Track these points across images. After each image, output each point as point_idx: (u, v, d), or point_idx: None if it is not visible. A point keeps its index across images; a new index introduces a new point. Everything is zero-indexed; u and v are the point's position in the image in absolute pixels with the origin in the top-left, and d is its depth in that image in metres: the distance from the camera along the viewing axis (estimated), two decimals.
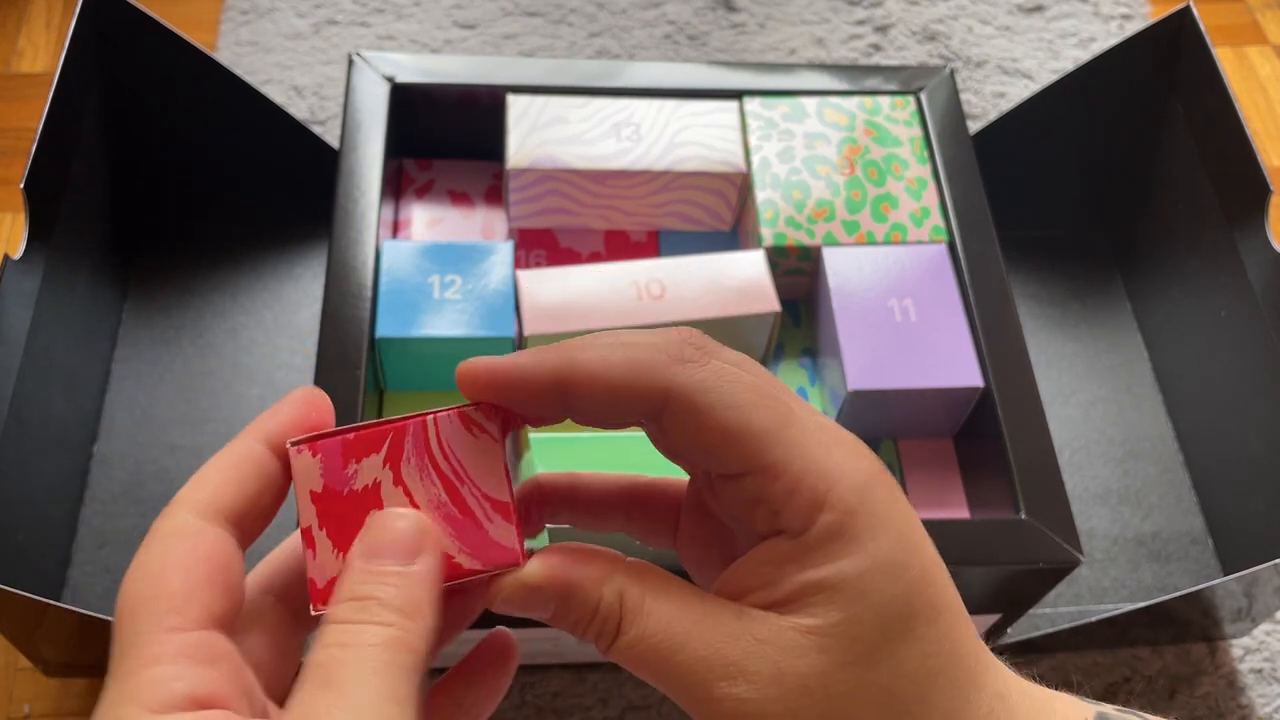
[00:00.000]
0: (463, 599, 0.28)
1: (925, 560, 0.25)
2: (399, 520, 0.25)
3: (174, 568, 0.24)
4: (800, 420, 0.25)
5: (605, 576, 0.26)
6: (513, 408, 0.27)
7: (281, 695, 0.26)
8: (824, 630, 0.24)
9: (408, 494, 0.26)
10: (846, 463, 0.25)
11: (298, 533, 0.28)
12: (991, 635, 0.57)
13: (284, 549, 0.28)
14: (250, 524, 0.26)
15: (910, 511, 0.26)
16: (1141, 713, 0.28)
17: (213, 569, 0.24)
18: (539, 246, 0.63)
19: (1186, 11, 0.63)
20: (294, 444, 0.26)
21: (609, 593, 0.25)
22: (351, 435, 0.26)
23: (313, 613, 0.26)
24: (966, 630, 0.25)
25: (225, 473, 0.26)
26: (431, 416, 0.26)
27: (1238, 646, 0.61)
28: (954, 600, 0.25)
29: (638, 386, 0.25)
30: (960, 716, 0.25)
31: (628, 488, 0.30)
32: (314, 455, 0.26)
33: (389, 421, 0.26)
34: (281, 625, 0.27)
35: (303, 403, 0.27)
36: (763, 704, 0.24)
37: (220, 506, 0.25)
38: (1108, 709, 0.27)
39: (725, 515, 0.27)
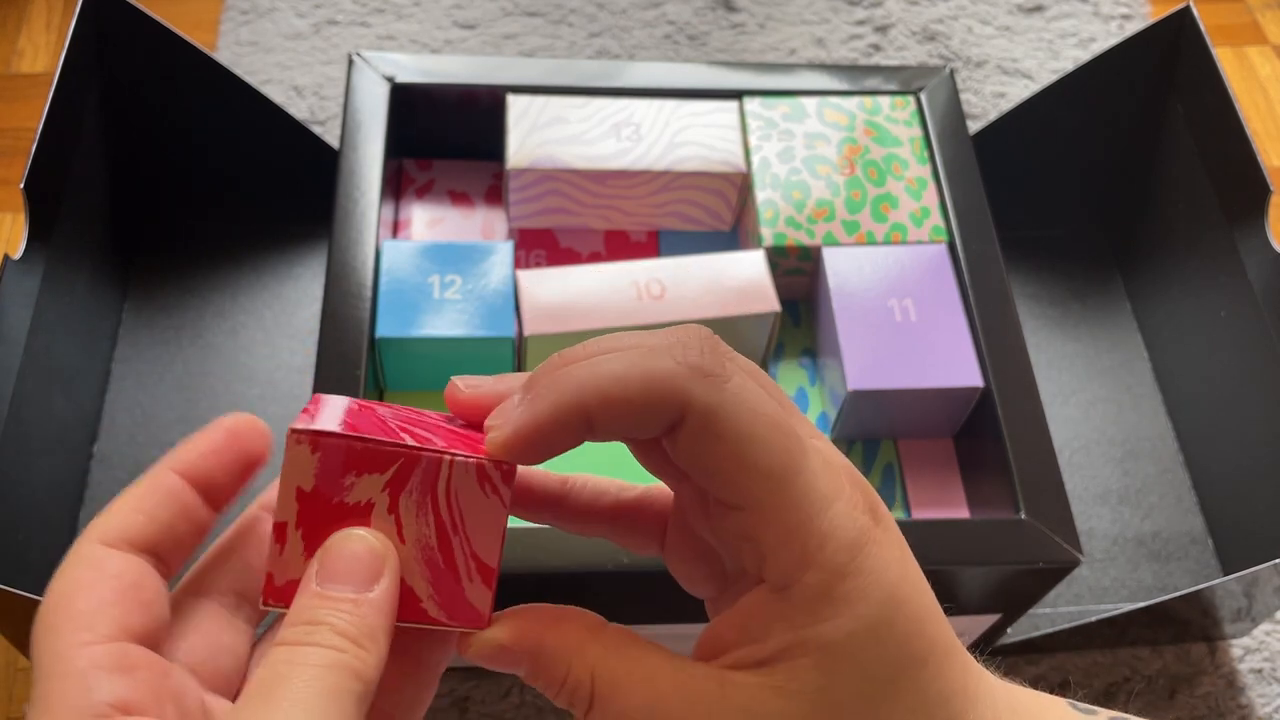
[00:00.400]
0: (436, 646, 0.27)
1: (914, 611, 0.24)
2: (359, 543, 0.25)
3: (81, 589, 0.24)
4: (809, 466, 0.24)
5: (577, 648, 0.25)
6: (536, 460, 0.25)
7: (236, 693, 0.26)
8: (807, 695, 0.24)
9: (398, 525, 0.25)
10: (842, 519, 0.24)
11: (231, 529, 0.28)
12: (991, 635, 0.57)
13: (215, 546, 0.28)
14: (167, 552, 0.26)
15: (905, 559, 0.25)
16: (1136, 718, 0.28)
17: (120, 587, 0.24)
18: (539, 246, 0.63)
19: (1186, 11, 0.63)
20: (295, 431, 0.24)
21: (579, 668, 0.25)
22: (359, 445, 0.24)
23: (261, 605, 0.25)
24: (955, 668, 0.25)
25: (135, 502, 0.26)
26: (449, 459, 0.25)
27: (1238, 646, 0.61)
28: (943, 645, 0.25)
29: (657, 404, 0.24)
30: None
31: (615, 502, 0.29)
32: (313, 451, 0.24)
33: (403, 445, 0.25)
34: (215, 623, 0.27)
35: (226, 432, 0.27)
36: None
37: (128, 535, 0.25)
38: (1101, 715, 0.27)
39: (713, 538, 0.27)
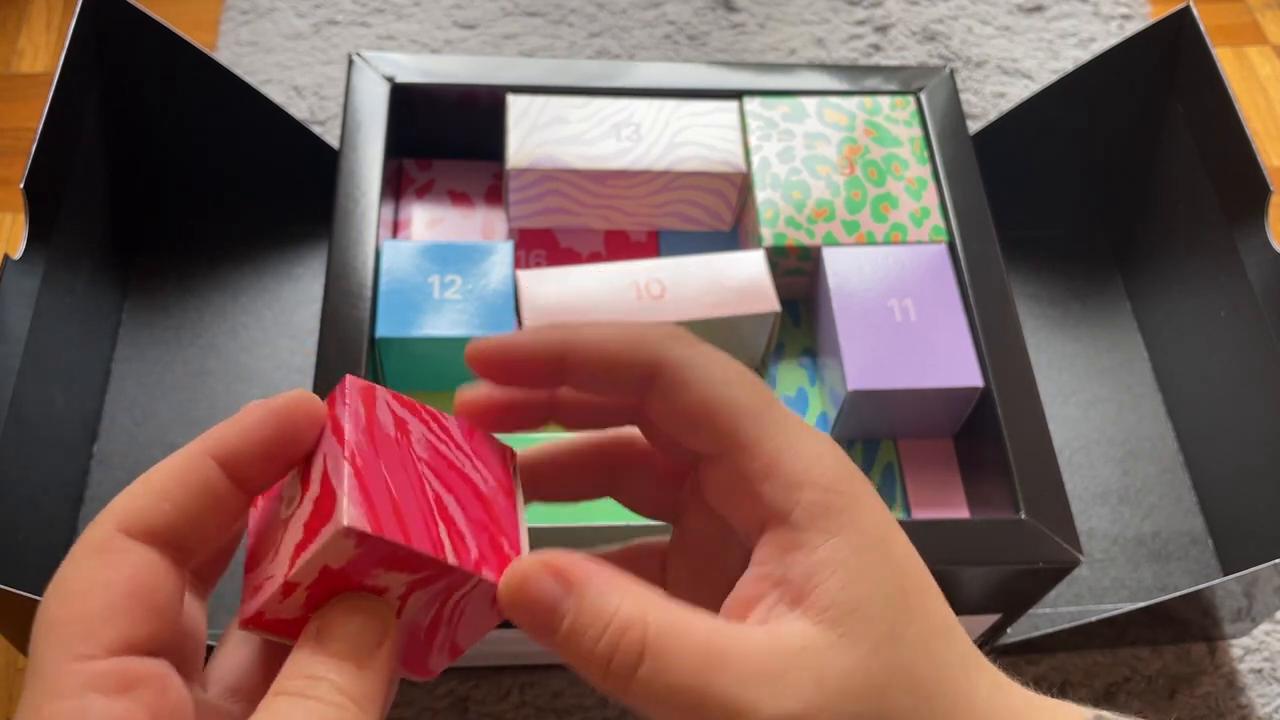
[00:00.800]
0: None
1: (902, 541, 0.26)
2: (364, 614, 0.24)
3: (90, 588, 0.23)
4: (779, 406, 0.26)
5: (628, 588, 0.24)
6: (512, 380, 0.28)
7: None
8: (843, 618, 0.24)
9: (401, 606, 0.25)
10: (823, 447, 0.26)
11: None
12: (991, 635, 0.57)
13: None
14: (189, 545, 0.24)
15: (882, 505, 0.26)
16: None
17: (132, 590, 0.23)
18: (539, 246, 0.63)
19: (1186, 11, 0.63)
20: (348, 530, 0.23)
21: (630, 606, 0.24)
22: (404, 551, 0.24)
23: (239, 628, 0.25)
24: (948, 611, 0.26)
25: (163, 488, 0.24)
26: (479, 577, 0.25)
27: (1238, 646, 0.61)
28: (933, 583, 0.26)
29: (632, 358, 0.26)
30: (969, 697, 0.25)
31: (598, 447, 0.30)
32: (356, 546, 0.23)
33: (442, 560, 0.24)
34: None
35: (274, 415, 0.25)
36: (810, 713, 0.23)
37: (150, 525, 0.23)
38: (1105, 714, 0.27)
39: (717, 505, 0.27)
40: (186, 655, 0.26)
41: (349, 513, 0.23)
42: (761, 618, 0.25)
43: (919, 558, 0.26)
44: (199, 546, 0.25)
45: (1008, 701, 0.25)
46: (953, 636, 0.25)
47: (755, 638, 0.24)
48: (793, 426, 0.26)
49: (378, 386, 0.27)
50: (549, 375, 0.27)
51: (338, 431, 0.25)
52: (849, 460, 0.26)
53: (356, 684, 0.23)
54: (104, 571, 0.23)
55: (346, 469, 0.24)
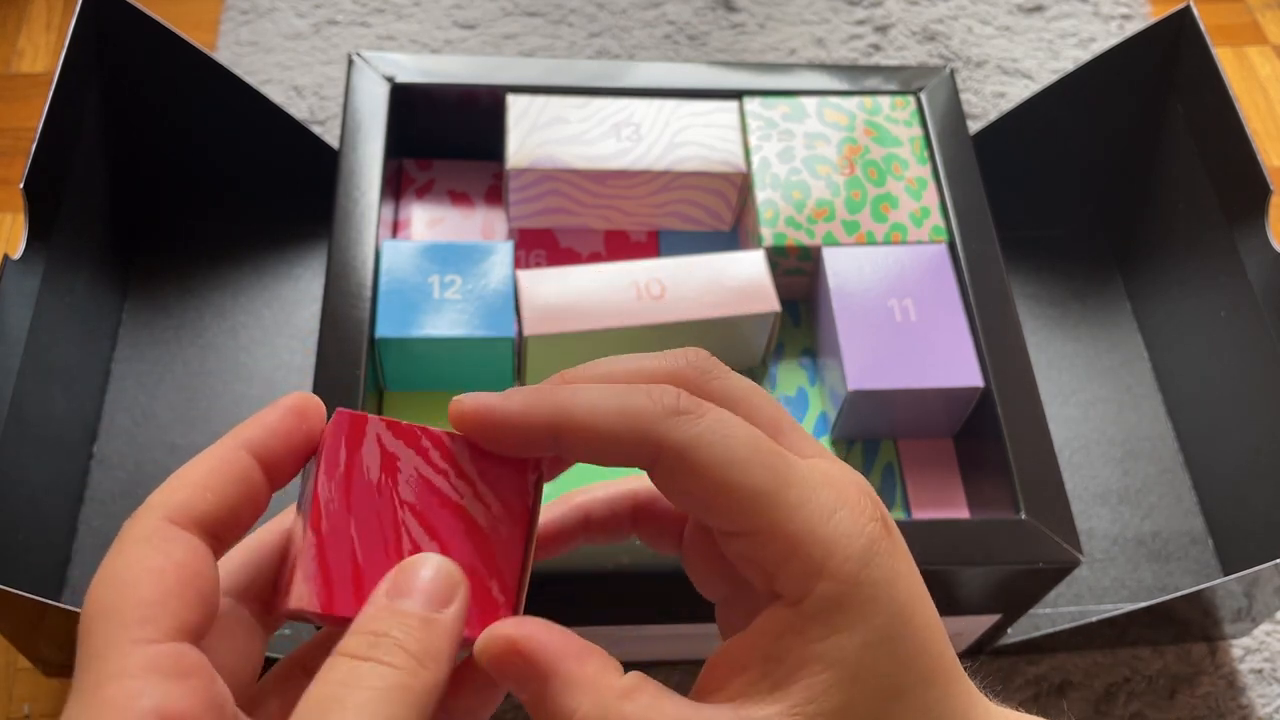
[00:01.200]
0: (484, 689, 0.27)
1: (921, 627, 0.24)
2: (435, 566, 0.24)
3: (144, 575, 0.23)
4: (801, 479, 0.24)
5: (592, 684, 0.24)
6: (501, 449, 0.26)
7: (245, 703, 0.26)
8: (825, 716, 0.23)
9: None
10: (848, 526, 0.24)
11: (261, 531, 0.27)
12: (992, 635, 0.57)
13: (246, 546, 0.27)
14: (225, 534, 0.25)
15: (910, 573, 0.25)
16: None
17: (185, 577, 0.23)
18: (539, 246, 0.63)
19: (1186, 11, 0.63)
20: (291, 610, 0.25)
21: (590, 706, 0.24)
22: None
23: (286, 607, 0.25)
24: (956, 693, 0.25)
25: (205, 478, 0.24)
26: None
27: (1238, 646, 0.61)
28: (948, 665, 0.25)
29: (628, 440, 0.24)
30: None
31: (632, 501, 0.29)
32: (315, 615, 0.25)
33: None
34: (243, 629, 0.26)
35: (293, 413, 0.26)
36: None
37: (195, 515, 0.24)
38: None
39: (734, 562, 0.26)
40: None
41: (297, 592, 0.24)
42: (738, 692, 0.24)
43: (933, 645, 0.24)
44: (233, 536, 0.25)
45: None
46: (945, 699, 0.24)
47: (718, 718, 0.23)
48: (815, 503, 0.24)
49: (370, 418, 0.26)
50: (540, 447, 0.25)
51: (324, 470, 0.26)
52: (878, 527, 0.24)
53: (420, 640, 0.23)
54: (156, 559, 0.23)
55: (310, 539, 0.25)
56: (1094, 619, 0.55)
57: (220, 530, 0.24)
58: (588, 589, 0.48)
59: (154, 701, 0.21)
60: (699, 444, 0.24)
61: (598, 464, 0.26)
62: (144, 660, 0.22)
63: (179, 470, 0.25)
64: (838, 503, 0.24)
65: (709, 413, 0.24)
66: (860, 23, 0.84)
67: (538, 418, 0.25)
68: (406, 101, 0.61)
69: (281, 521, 0.28)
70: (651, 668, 0.57)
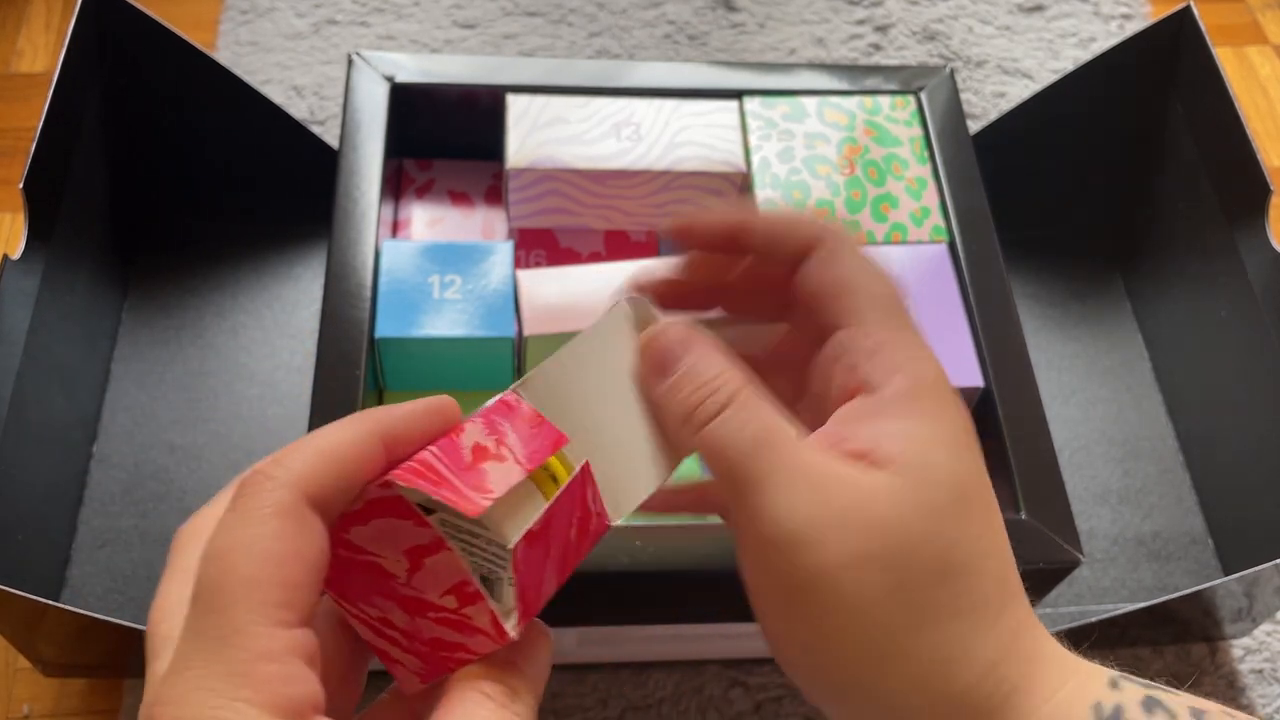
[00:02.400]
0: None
1: (979, 456, 0.27)
2: (547, 648, 0.27)
3: (289, 555, 0.22)
4: (907, 313, 0.29)
5: (738, 368, 0.28)
6: (699, 244, 0.32)
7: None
8: (894, 483, 0.25)
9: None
10: (925, 356, 0.28)
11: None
12: None
13: None
14: (331, 519, 0.24)
15: (969, 424, 0.28)
16: (1156, 683, 0.29)
17: (318, 565, 0.23)
18: (539, 246, 0.63)
19: (1186, 11, 0.63)
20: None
21: (731, 375, 0.28)
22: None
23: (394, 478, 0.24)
24: (1002, 531, 0.27)
25: (342, 461, 0.24)
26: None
27: (1238, 647, 0.61)
28: (998, 510, 0.27)
29: (799, 229, 0.30)
30: (997, 606, 0.26)
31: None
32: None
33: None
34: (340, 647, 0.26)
35: (437, 415, 0.26)
36: (829, 536, 0.25)
37: (324, 494, 0.23)
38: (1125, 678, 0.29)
39: (823, 370, 0.29)
40: None
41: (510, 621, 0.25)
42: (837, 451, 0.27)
43: (987, 479, 0.27)
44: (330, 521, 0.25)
45: (1038, 645, 0.27)
46: (1000, 556, 0.27)
47: (822, 451, 0.26)
48: (910, 332, 0.28)
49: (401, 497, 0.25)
50: (729, 241, 0.31)
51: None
52: (949, 383, 0.28)
53: (530, 711, 0.25)
54: (298, 540, 0.22)
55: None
56: (1094, 619, 0.55)
57: (333, 514, 0.24)
58: (588, 589, 0.48)
59: (302, 690, 0.21)
60: (848, 244, 0.29)
61: (765, 256, 0.31)
62: (289, 643, 0.21)
63: (314, 438, 0.24)
64: (921, 346, 0.28)
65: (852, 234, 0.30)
66: (860, 22, 0.84)
67: (731, 215, 0.31)
68: (406, 101, 0.61)
69: None
70: (652, 668, 0.57)
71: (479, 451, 0.25)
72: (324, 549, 0.23)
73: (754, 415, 0.27)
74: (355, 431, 0.24)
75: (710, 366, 0.28)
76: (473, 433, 0.26)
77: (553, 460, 0.27)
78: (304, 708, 0.21)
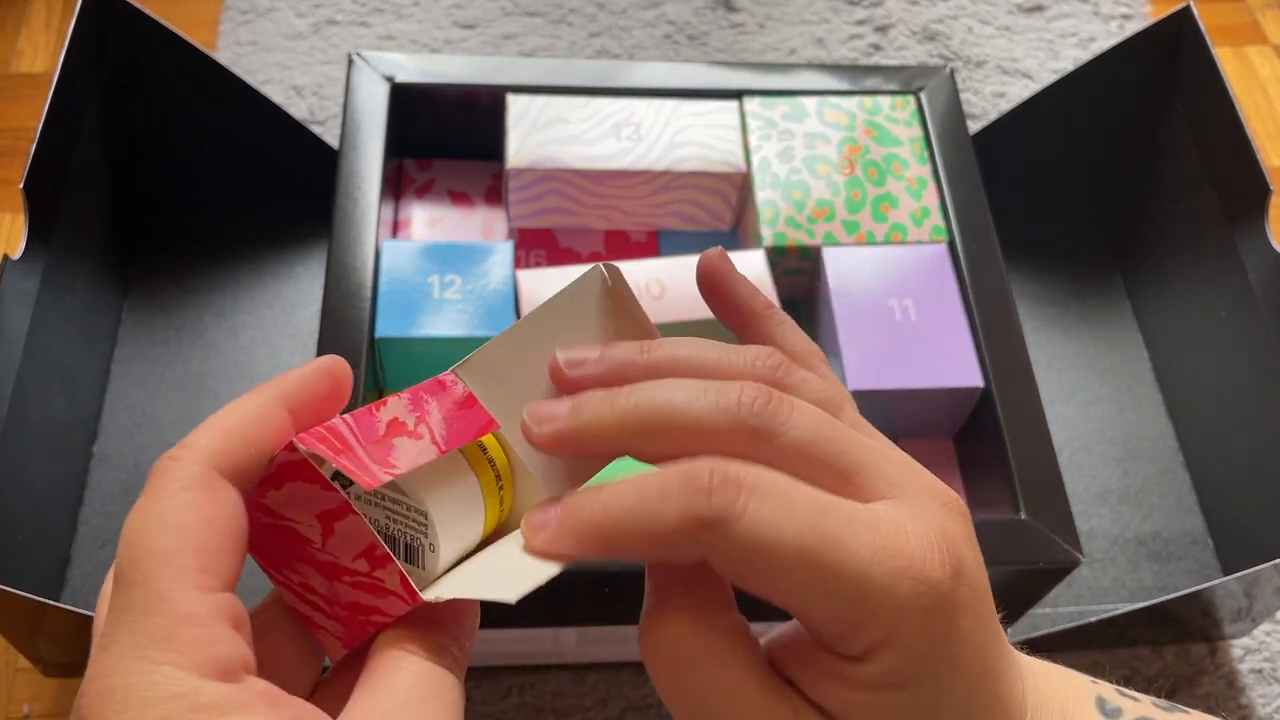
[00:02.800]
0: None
1: (969, 685, 0.25)
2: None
3: (199, 523, 0.22)
4: (855, 548, 0.23)
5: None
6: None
7: None
8: None
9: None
10: (910, 599, 0.23)
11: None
12: None
13: None
14: (248, 488, 0.24)
15: (979, 623, 0.25)
16: (1141, 695, 0.28)
17: (234, 530, 0.23)
18: (539, 246, 0.63)
19: (1186, 11, 0.63)
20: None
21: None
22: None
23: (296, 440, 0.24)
24: (1005, 688, 0.25)
25: (245, 429, 0.24)
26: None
27: (1238, 647, 0.61)
28: (1002, 680, 0.25)
29: (663, 552, 0.24)
30: None
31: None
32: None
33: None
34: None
35: (327, 375, 0.26)
36: None
37: (239, 468, 0.24)
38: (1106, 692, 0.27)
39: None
40: None
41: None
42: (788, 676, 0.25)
43: (979, 698, 0.25)
44: (252, 487, 0.25)
45: None
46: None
47: (777, 695, 0.24)
48: (872, 567, 0.23)
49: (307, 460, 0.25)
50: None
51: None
52: (943, 593, 0.23)
53: (459, 666, 0.25)
54: (210, 508, 0.23)
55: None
56: (1094, 619, 0.55)
57: (250, 483, 0.24)
58: (588, 589, 0.48)
59: (228, 650, 0.21)
60: (734, 555, 0.23)
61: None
62: (210, 607, 0.22)
63: (218, 416, 0.24)
64: (898, 571, 0.23)
65: (746, 508, 0.23)
66: (860, 23, 0.84)
67: (586, 543, 0.25)
68: (406, 101, 0.61)
69: None
70: None
71: (394, 425, 0.26)
72: (238, 515, 0.23)
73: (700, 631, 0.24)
74: (257, 402, 0.25)
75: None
76: (394, 407, 0.26)
77: (491, 443, 0.27)
78: (234, 667, 0.21)
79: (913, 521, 0.24)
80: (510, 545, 0.27)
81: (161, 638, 0.21)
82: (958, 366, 0.54)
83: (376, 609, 0.25)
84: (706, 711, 0.24)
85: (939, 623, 0.23)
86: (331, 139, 0.70)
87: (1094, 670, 0.61)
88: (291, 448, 0.24)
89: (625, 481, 0.24)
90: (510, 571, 0.25)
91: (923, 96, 0.63)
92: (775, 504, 0.23)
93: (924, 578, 0.23)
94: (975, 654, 0.24)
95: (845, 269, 0.57)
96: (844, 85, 0.63)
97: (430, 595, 0.25)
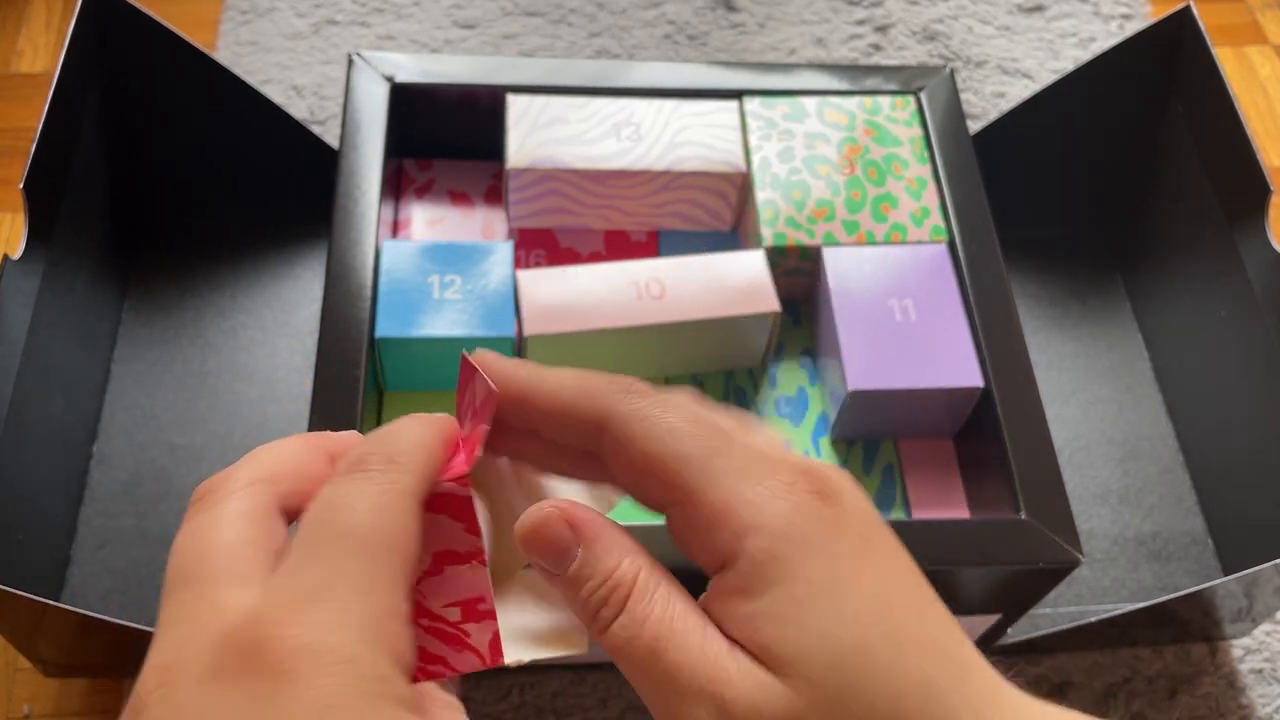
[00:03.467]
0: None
1: (872, 591, 0.24)
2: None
3: (407, 530, 0.24)
4: (732, 450, 0.25)
5: (631, 550, 0.26)
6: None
7: None
8: (782, 671, 0.23)
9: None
10: (773, 491, 0.24)
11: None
12: (991, 636, 0.57)
13: None
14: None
15: (861, 543, 0.25)
16: None
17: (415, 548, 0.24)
18: (539, 246, 0.63)
19: (1186, 11, 0.63)
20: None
21: (628, 565, 0.25)
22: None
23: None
24: (942, 661, 0.24)
25: (298, 475, 0.26)
26: None
27: (1238, 647, 0.61)
28: (918, 634, 0.24)
29: (581, 408, 0.26)
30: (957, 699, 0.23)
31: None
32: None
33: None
34: None
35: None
36: None
37: (293, 510, 0.25)
38: None
39: (679, 548, 0.27)
40: None
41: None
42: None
43: (896, 606, 0.24)
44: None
45: None
46: (933, 693, 0.23)
47: (718, 643, 0.24)
48: (742, 472, 0.25)
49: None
50: (512, 414, 0.27)
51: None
52: (813, 503, 0.24)
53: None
54: (414, 527, 0.24)
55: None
56: (1094, 619, 0.55)
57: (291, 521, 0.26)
58: None
59: (414, 659, 0.23)
60: (641, 414, 0.25)
61: (554, 439, 0.27)
62: (407, 611, 0.23)
63: (284, 451, 0.26)
64: (768, 473, 0.25)
65: (658, 393, 0.26)
66: (860, 23, 0.84)
67: (510, 385, 0.27)
68: (406, 101, 0.61)
69: None
70: None
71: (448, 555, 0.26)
72: (417, 532, 0.24)
73: (650, 612, 0.24)
74: (307, 446, 0.27)
75: (605, 558, 0.25)
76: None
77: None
78: (413, 673, 0.22)
79: (783, 454, 0.26)
80: (529, 582, 0.27)
81: (371, 624, 0.22)
82: (958, 366, 0.54)
83: (443, 660, 0.24)
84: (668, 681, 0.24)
85: (808, 519, 0.24)
86: (331, 139, 0.70)
87: (1094, 670, 0.61)
88: (466, 481, 0.24)
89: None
90: (553, 617, 0.26)
91: (923, 96, 0.63)
92: (677, 398, 0.26)
93: (792, 482, 0.25)
94: (860, 556, 0.25)
95: (845, 269, 0.57)
96: (844, 85, 0.63)
97: (511, 659, 0.24)
